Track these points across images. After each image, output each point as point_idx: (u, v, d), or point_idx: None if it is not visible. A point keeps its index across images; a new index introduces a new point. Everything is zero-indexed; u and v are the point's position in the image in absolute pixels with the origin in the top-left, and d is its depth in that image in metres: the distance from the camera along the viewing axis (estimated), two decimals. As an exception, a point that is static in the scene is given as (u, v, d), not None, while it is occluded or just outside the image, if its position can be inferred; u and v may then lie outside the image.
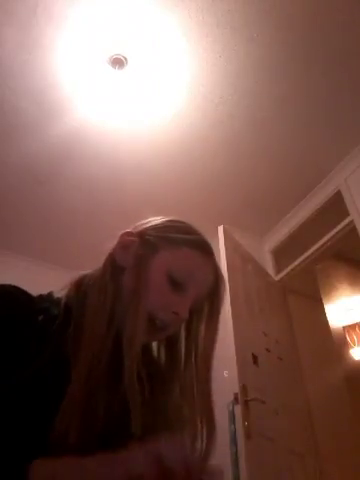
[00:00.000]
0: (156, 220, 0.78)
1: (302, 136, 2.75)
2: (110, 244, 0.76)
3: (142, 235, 0.75)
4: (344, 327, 3.51)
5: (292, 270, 3.17)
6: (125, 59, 2.28)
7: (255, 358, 2.33)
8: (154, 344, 0.78)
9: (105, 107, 2.53)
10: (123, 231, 0.76)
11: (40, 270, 3.50)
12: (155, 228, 0.76)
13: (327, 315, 3.28)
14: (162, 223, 0.77)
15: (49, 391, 0.59)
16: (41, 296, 0.70)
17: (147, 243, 0.73)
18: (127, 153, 2.81)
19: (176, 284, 0.70)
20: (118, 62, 2.28)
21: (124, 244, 0.74)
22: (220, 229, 2.54)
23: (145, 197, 3.06)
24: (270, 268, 3.34)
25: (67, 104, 2.50)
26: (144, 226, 0.77)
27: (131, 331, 0.65)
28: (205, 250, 0.75)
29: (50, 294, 0.72)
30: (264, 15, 2.13)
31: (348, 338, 3.45)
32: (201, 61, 2.32)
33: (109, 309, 0.66)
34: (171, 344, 0.77)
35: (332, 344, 3.21)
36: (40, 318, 0.64)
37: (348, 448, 2.73)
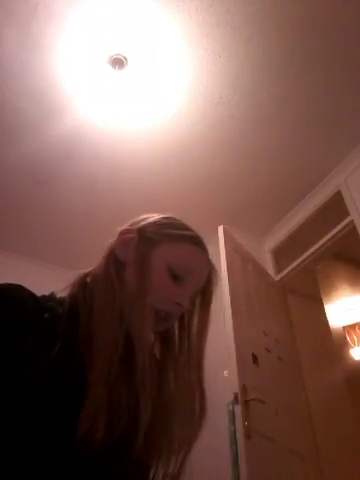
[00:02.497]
0: (153, 217, 0.81)
1: (302, 136, 2.75)
2: (108, 241, 0.78)
3: (141, 231, 0.77)
4: (344, 327, 3.51)
5: (292, 270, 3.17)
6: (125, 59, 2.28)
7: (255, 358, 2.33)
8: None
9: (105, 107, 2.53)
10: (121, 228, 0.79)
11: (40, 270, 3.50)
12: (153, 224, 0.79)
13: (327, 315, 3.27)
14: (160, 220, 0.80)
15: (63, 389, 0.60)
16: (44, 296, 0.71)
17: (146, 238, 0.76)
18: (127, 153, 2.81)
19: (176, 277, 0.74)
20: (118, 62, 2.28)
21: (124, 240, 0.77)
22: (220, 229, 2.54)
23: (145, 197, 3.06)
24: (270, 268, 3.34)
25: (67, 104, 2.50)
26: (142, 223, 0.79)
27: (140, 325, 0.67)
28: (201, 245, 0.80)
29: (53, 294, 0.72)
30: (264, 15, 2.13)
31: (348, 338, 3.45)
32: (201, 61, 2.32)
33: (118, 305, 0.68)
34: (165, 335, 0.79)
35: (332, 344, 3.21)
36: (46, 316, 0.65)
37: (348, 448, 2.73)
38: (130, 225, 0.80)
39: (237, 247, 2.72)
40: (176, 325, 0.79)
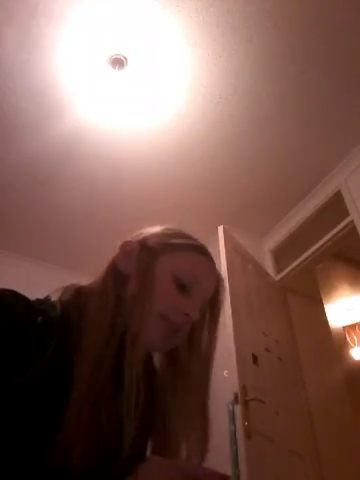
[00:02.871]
0: (154, 229, 0.79)
1: (302, 136, 2.75)
2: (110, 254, 0.76)
3: (143, 242, 0.75)
4: (344, 327, 3.51)
5: (292, 270, 3.17)
6: (125, 59, 2.28)
7: (255, 358, 2.33)
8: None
9: (105, 107, 2.53)
10: (123, 241, 0.77)
11: (40, 270, 3.50)
12: (156, 235, 0.77)
13: (327, 315, 3.27)
14: (162, 231, 0.79)
15: (52, 394, 0.59)
16: (38, 300, 0.70)
17: (149, 250, 0.74)
18: (127, 153, 2.81)
19: (183, 287, 0.71)
20: (118, 62, 2.28)
21: (126, 252, 0.74)
22: (220, 229, 2.54)
23: (145, 197, 3.06)
24: (270, 268, 3.34)
25: (67, 104, 2.50)
26: (143, 235, 0.78)
27: (136, 332, 0.65)
28: (206, 254, 0.77)
29: (47, 298, 0.71)
30: (264, 15, 2.13)
31: (348, 338, 3.45)
32: (201, 61, 2.32)
33: (110, 317, 0.66)
34: (173, 351, 0.76)
35: (332, 344, 3.21)
36: (38, 320, 0.64)
37: (348, 448, 2.73)
38: (132, 238, 0.78)
39: (237, 247, 2.72)
40: (185, 339, 0.75)
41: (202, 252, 0.77)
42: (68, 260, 3.44)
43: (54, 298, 0.71)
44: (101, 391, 0.59)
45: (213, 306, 0.77)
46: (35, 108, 2.51)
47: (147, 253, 0.73)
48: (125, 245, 0.75)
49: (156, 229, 0.79)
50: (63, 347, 0.62)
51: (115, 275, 0.72)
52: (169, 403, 0.73)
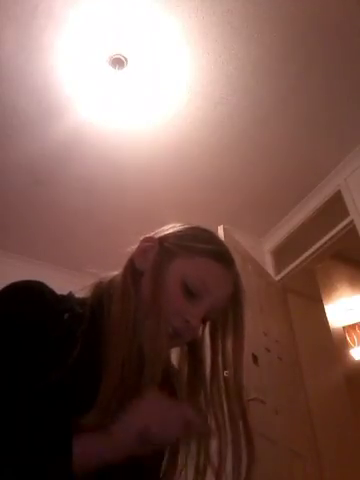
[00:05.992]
0: (178, 227, 0.78)
1: (302, 136, 2.75)
2: (130, 249, 0.76)
3: (162, 241, 0.75)
4: (344, 327, 3.51)
5: (292, 270, 3.17)
6: (125, 59, 2.28)
7: (255, 358, 2.33)
8: (175, 355, 0.77)
9: (105, 107, 2.53)
10: (144, 236, 0.76)
11: (40, 270, 3.50)
12: (175, 235, 0.75)
13: (327, 315, 3.27)
14: (184, 230, 0.77)
15: (82, 391, 0.60)
16: (63, 296, 0.71)
17: (165, 250, 0.73)
18: (127, 153, 2.81)
19: (190, 293, 0.69)
20: (118, 62, 2.28)
21: (143, 249, 0.74)
22: (220, 229, 2.53)
23: (145, 197, 3.06)
24: (270, 268, 3.34)
25: (67, 104, 2.49)
26: (165, 232, 0.77)
27: (152, 339, 0.65)
28: (223, 261, 0.74)
29: (70, 294, 0.72)
30: (264, 15, 2.13)
31: (348, 338, 3.45)
32: (201, 61, 2.32)
33: (133, 313, 0.67)
34: (194, 357, 0.76)
35: (332, 344, 3.21)
36: (66, 316, 0.65)
37: (348, 448, 2.73)
38: (154, 233, 0.77)
39: (237, 247, 2.72)
40: (208, 345, 0.75)
41: (219, 258, 0.73)
42: (68, 260, 3.43)
43: (79, 295, 0.72)
44: (128, 383, 0.61)
45: (235, 311, 0.74)
46: (35, 108, 2.51)
47: (162, 255, 0.73)
48: (144, 241, 0.75)
49: (177, 228, 0.77)
50: (90, 345, 0.63)
51: (133, 271, 0.73)
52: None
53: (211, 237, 0.78)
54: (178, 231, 0.77)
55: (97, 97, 2.47)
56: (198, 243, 0.74)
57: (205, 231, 0.79)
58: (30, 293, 0.65)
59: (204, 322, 0.73)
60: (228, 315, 0.74)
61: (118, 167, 2.89)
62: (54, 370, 0.58)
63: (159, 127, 2.66)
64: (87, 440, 0.55)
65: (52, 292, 0.68)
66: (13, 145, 2.70)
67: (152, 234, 0.77)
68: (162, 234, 0.76)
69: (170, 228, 0.78)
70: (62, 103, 2.49)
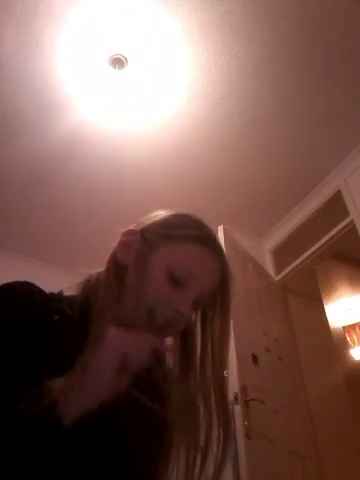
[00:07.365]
0: (160, 215, 0.76)
1: (302, 136, 2.75)
2: (113, 243, 0.75)
3: (143, 233, 0.73)
4: (344, 327, 3.51)
5: (292, 270, 3.17)
6: (125, 59, 2.28)
7: (255, 358, 2.33)
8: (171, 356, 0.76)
9: (105, 107, 2.52)
10: (125, 229, 0.75)
11: (40, 270, 3.49)
12: (157, 224, 0.74)
13: (327, 315, 3.27)
14: (166, 218, 0.75)
15: None
16: (53, 295, 0.70)
17: (147, 240, 0.71)
18: (127, 153, 2.81)
19: (176, 281, 0.67)
20: (118, 62, 2.28)
21: (125, 242, 0.73)
22: (220, 229, 2.53)
23: (145, 197, 3.05)
24: (270, 268, 3.34)
25: (67, 104, 2.49)
26: (147, 222, 0.75)
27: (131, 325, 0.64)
28: (209, 245, 0.72)
29: (61, 293, 0.72)
30: (264, 15, 2.13)
31: (348, 338, 3.46)
32: (201, 61, 2.32)
33: (115, 312, 0.65)
34: (186, 342, 0.75)
35: (332, 344, 3.21)
36: (55, 318, 0.65)
37: (348, 448, 2.73)
38: (136, 225, 0.75)
39: (237, 247, 2.72)
40: (198, 330, 0.74)
41: (204, 243, 0.71)
42: (68, 260, 3.43)
43: (68, 293, 0.72)
44: None
45: (223, 294, 0.74)
46: (35, 108, 2.51)
47: (144, 246, 0.71)
48: (125, 235, 0.74)
49: (161, 216, 0.75)
50: (79, 346, 0.62)
51: (116, 265, 0.71)
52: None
53: (195, 222, 0.75)
54: (160, 220, 0.74)
55: (97, 97, 2.47)
56: (179, 230, 0.72)
57: (188, 217, 0.76)
58: (16, 295, 0.64)
59: (196, 308, 0.72)
60: (217, 298, 0.73)
61: (118, 167, 2.89)
62: (41, 374, 0.57)
63: (159, 127, 2.66)
64: (64, 386, 0.55)
65: (41, 293, 0.68)
66: (13, 145, 2.70)
67: (134, 225, 0.75)
68: (144, 225, 0.74)
69: (152, 217, 0.76)
70: (62, 103, 2.49)
